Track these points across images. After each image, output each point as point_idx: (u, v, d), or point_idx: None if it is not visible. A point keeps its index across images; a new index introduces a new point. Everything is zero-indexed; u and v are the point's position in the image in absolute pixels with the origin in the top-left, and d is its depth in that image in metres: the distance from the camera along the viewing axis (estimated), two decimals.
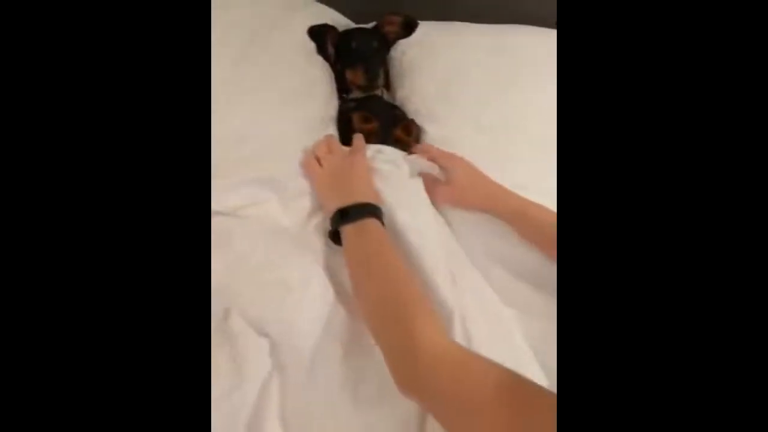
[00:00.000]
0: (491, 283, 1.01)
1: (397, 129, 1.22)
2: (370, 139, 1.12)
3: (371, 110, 1.23)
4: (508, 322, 0.96)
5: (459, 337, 0.84)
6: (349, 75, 1.26)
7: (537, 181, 1.09)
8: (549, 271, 0.94)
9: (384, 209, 0.93)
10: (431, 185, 1.08)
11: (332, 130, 1.18)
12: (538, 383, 0.60)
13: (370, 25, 1.37)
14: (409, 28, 1.36)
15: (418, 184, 1.07)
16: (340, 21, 1.39)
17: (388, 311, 0.75)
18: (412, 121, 1.25)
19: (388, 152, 1.08)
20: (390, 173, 1.02)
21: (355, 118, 1.20)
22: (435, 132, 1.23)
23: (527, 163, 1.16)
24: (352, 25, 1.40)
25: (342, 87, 1.29)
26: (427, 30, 1.37)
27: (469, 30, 1.40)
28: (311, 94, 1.18)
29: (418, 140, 1.23)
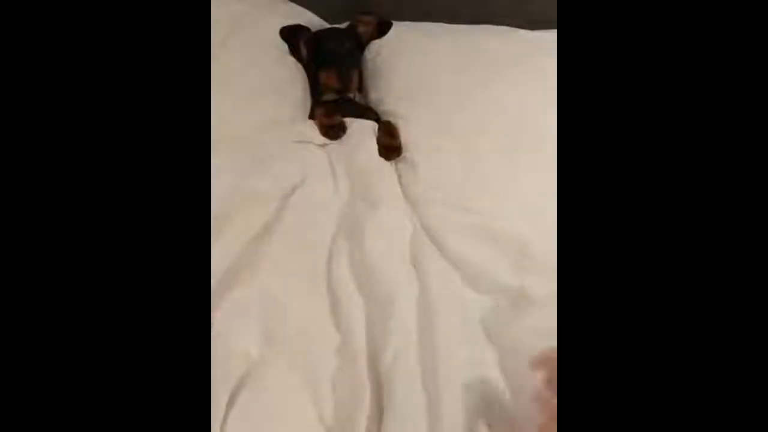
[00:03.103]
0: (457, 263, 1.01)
1: (380, 134, 1.19)
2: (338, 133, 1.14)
3: (345, 113, 1.20)
4: (468, 303, 0.96)
5: (422, 308, 0.88)
6: (323, 77, 1.24)
7: (505, 183, 1.09)
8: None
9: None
10: None
11: (303, 129, 1.16)
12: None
13: (343, 25, 1.35)
14: (383, 29, 1.35)
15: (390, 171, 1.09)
16: (313, 21, 1.36)
17: None
18: (390, 123, 1.23)
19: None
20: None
21: (318, 112, 1.19)
22: (404, 132, 1.21)
23: (496, 165, 1.15)
24: (326, 25, 1.38)
25: (315, 89, 1.26)
26: (400, 31, 1.36)
27: (442, 31, 1.39)
28: (282, 94, 1.17)
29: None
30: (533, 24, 1.41)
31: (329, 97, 1.26)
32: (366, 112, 1.27)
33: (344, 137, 1.15)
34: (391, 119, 1.24)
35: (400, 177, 1.14)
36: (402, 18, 1.38)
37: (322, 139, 1.14)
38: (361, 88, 1.33)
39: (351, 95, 1.28)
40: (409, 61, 1.31)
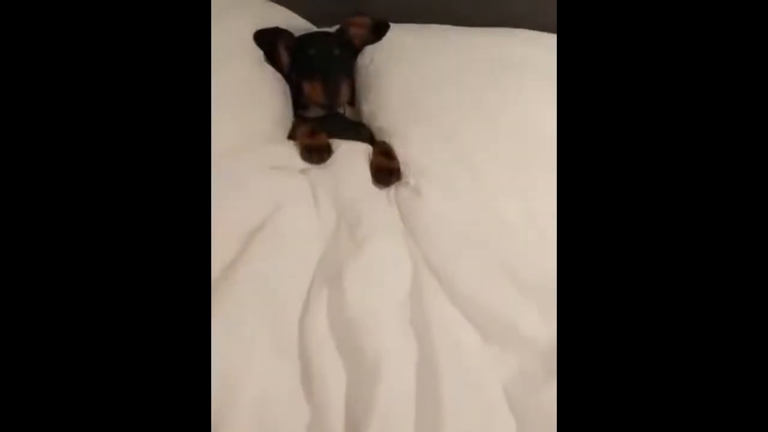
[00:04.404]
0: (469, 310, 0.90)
1: (374, 155, 1.07)
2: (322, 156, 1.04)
3: (332, 131, 1.09)
4: (475, 352, 0.85)
5: (423, 374, 0.79)
6: (307, 89, 1.13)
7: (516, 206, 1.01)
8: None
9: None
10: None
11: (281, 151, 1.06)
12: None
13: (333, 29, 1.25)
14: (378, 32, 1.23)
15: (386, 200, 1.02)
16: (296, 23, 1.27)
17: None
18: (386, 143, 1.11)
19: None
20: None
21: (300, 131, 1.08)
22: (403, 152, 1.09)
23: (513, 190, 1.05)
24: (312, 28, 1.29)
25: (298, 103, 1.16)
26: (399, 33, 1.25)
27: (446, 34, 1.29)
28: (257, 109, 1.08)
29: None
30: (548, 30, 1.30)
31: (314, 112, 1.15)
32: (358, 129, 1.15)
33: (330, 161, 1.04)
34: (386, 138, 1.12)
35: (400, 206, 1.02)
36: (401, 20, 1.27)
37: (304, 164, 1.03)
38: (353, 102, 1.22)
39: (341, 110, 1.17)
40: (408, 69, 1.20)
